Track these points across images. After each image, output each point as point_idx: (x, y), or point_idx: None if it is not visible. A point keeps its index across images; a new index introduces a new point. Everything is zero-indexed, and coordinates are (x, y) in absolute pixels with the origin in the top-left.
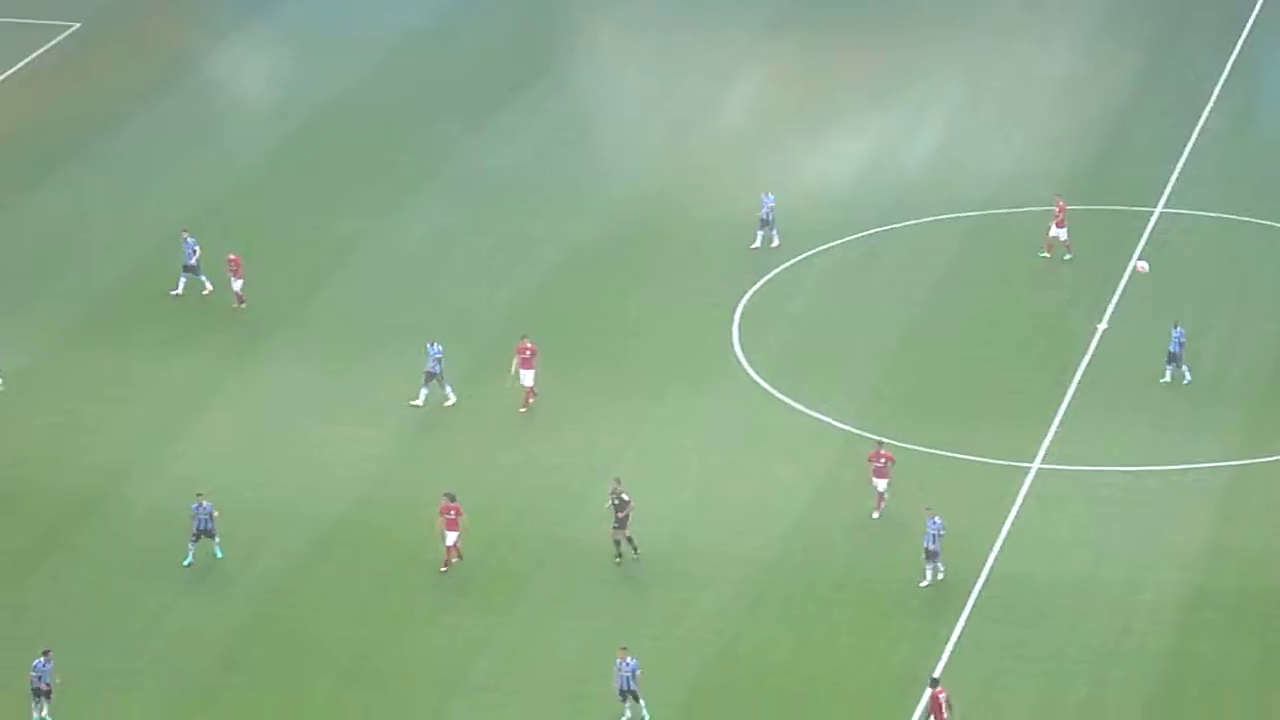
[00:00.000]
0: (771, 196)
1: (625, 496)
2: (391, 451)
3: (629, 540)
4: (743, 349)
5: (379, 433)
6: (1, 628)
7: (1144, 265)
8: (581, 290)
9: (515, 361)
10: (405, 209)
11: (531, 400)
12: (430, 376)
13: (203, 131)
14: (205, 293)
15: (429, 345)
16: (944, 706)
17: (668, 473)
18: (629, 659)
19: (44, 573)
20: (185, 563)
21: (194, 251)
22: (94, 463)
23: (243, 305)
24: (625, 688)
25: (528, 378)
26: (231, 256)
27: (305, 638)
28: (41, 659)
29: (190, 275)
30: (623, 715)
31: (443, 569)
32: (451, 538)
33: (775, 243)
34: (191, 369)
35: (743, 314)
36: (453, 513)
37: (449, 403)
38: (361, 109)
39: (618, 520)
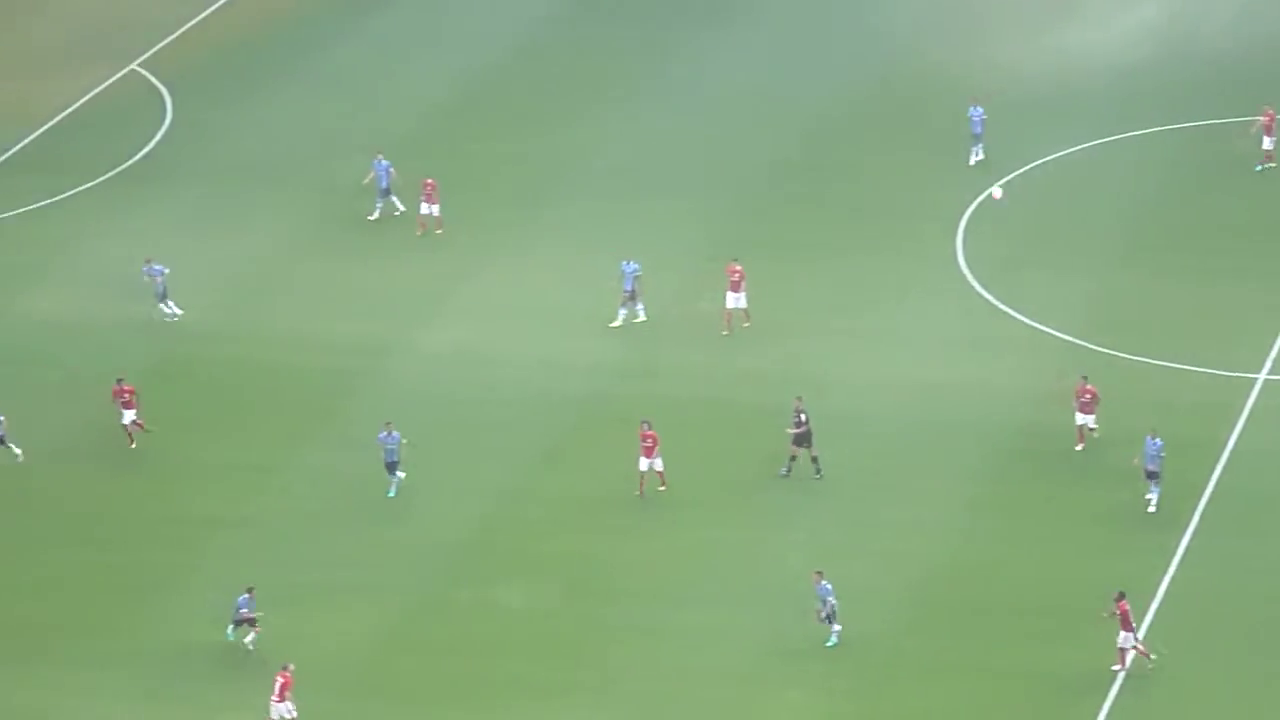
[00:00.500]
0: (981, 109)
1: (804, 416)
2: (606, 365)
3: (814, 460)
4: (966, 260)
5: (594, 348)
6: (239, 541)
7: (999, 192)
8: (797, 205)
9: (727, 285)
10: (617, 121)
11: (745, 324)
12: (628, 296)
13: (416, 48)
14: (397, 214)
15: (624, 264)
16: (1130, 617)
17: (890, 385)
18: (825, 582)
19: (275, 487)
20: (389, 494)
21: (388, 174)
22: (334, 361)
23: (439, 231)
24: (825, 611)
25: (736, 300)
26: (428, 180)
27: (531, 549)
28: (246, 595)
29: (385, 198)
30: (828, 640)
31: (638, 494)
32: (645, 464)
33: (978, 158)
34: (399, 288)
35: (966, 225)
36: (649, 440)
37: (638, 319)
38: (572, 27)
39: (797, 438)
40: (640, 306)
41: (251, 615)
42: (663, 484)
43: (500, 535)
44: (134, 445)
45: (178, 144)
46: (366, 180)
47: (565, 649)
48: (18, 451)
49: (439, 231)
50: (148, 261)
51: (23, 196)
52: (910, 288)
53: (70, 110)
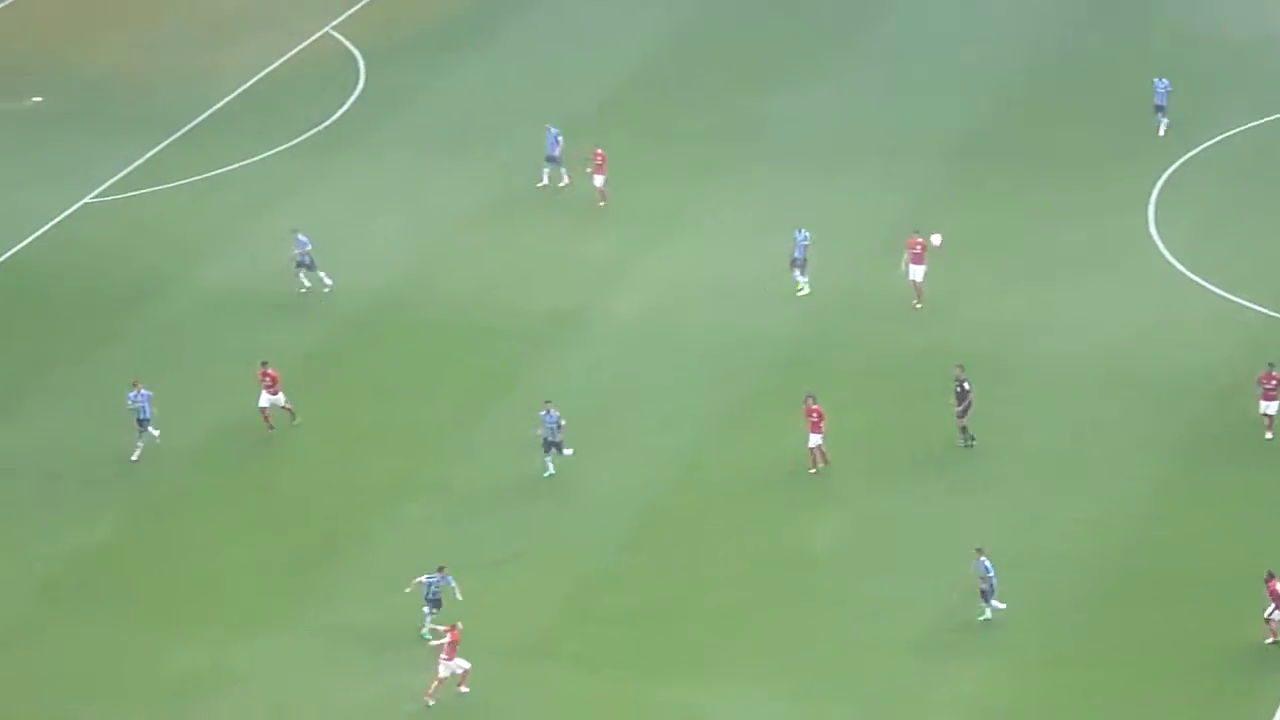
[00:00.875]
0: (1166, 81)
1: (966, 385)
2: (787, 335)
3: (963, 430)
4: (1158, 231)
5: (775, 318)
6: (424, 506)
7: (938, 239)
8: (983, 177)
9: (906, 256)
10: (800, 93)
11: (917, 303)
12: (797, 264)
13: (603, 19)
14: (562, 185)
15: (796, 233)
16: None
17: (1079, 357)
18: (984, 559)
19: (460, 453)
20: (545, 474)
21: (557, 142)
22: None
23: (602, 204)
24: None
25: (916, 272)
26: (598, 151)
27: (709, 519)
28: (437, 574)
29: (552, 166)
30: (981, 614)
31: (811, 471)
32: (815, 440)
33: (1161, 130)
34: (581, 257)
35: (1158, 196)
36: (815, 415)
37: (801, 292)
38: None
39: (960, 410)
40: (805, 278)
41: (437, 597)
42: (824, 460)
43: (679, 504)
44: (272, 429)
45: (370, 109)
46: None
47: (743, 618)
48: (155, 433)
49: (601, 204)
50: (294, 232)
51: (216, 159)
52: (1101, 259)
53: (264, 74)
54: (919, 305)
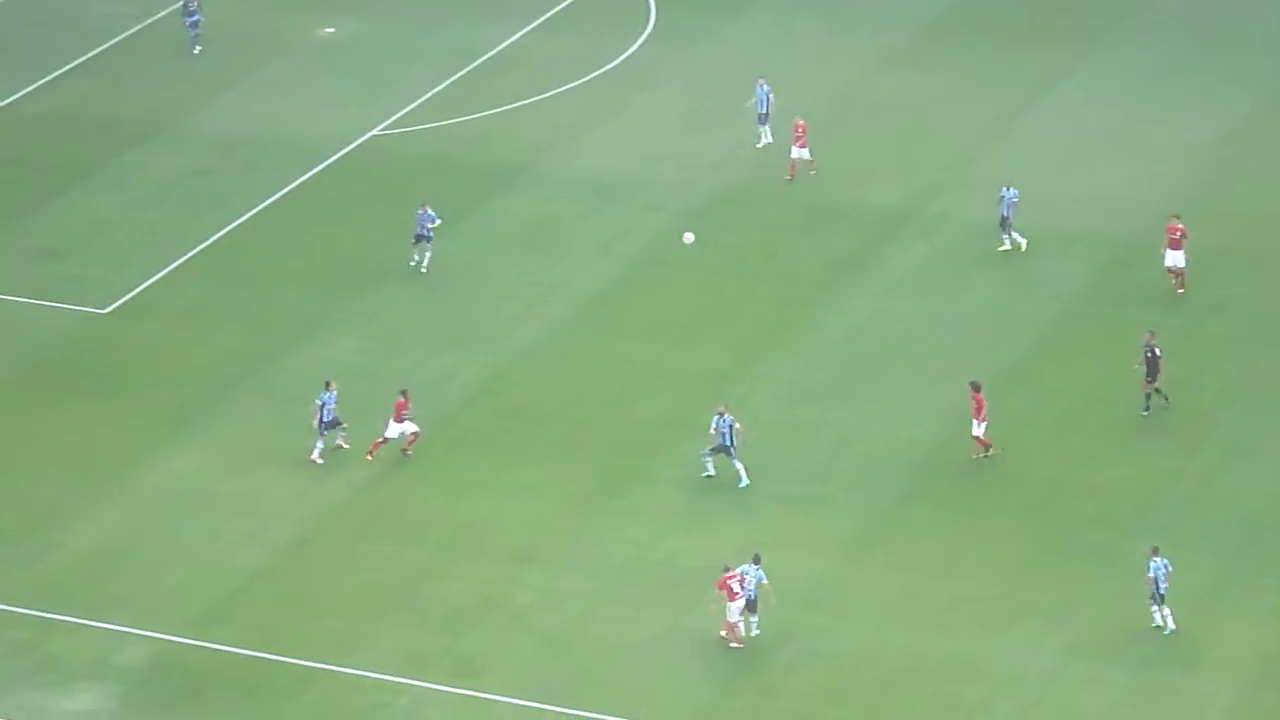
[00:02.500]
0: None
1: (1155, 350)
2: (1067, 291)
3: (1158, 391)
4: None
5: (1052, 270)
6: (704, 445)
7: (689, 237)
8: (1254, 167)
9: (1165, 242)
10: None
11: (1180, 290)
12: (1004, 222)
13: None
14: (759, 145)
15: (1004, 190)
16: None
17: None
18: (1159, 558)
19: (739, 392)
20: (704, 475)
21: (768, 100)
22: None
23: (812, 173)
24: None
25: (1175, 258)
26: (799, 122)
27: (989, 470)
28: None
29: (763, 125)
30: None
31: (982, 456)
32: (979, 428)
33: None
34: (866, 203)
35: None
36: (975, 403)
37: (1003, 246)
38: None
39: (1149, 373)
40: (1009, 237)
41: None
42: (984, 449)
43: (956, 455)
44: (408, 454)
45: (657, 49)
46: (749, 103)
47: (1021, 570)
48: (343, 443)
49: (812, 173)
50: (422, 206)
51: (505, 96)
52: None
53: (557, 9)
54: (1181, 292)
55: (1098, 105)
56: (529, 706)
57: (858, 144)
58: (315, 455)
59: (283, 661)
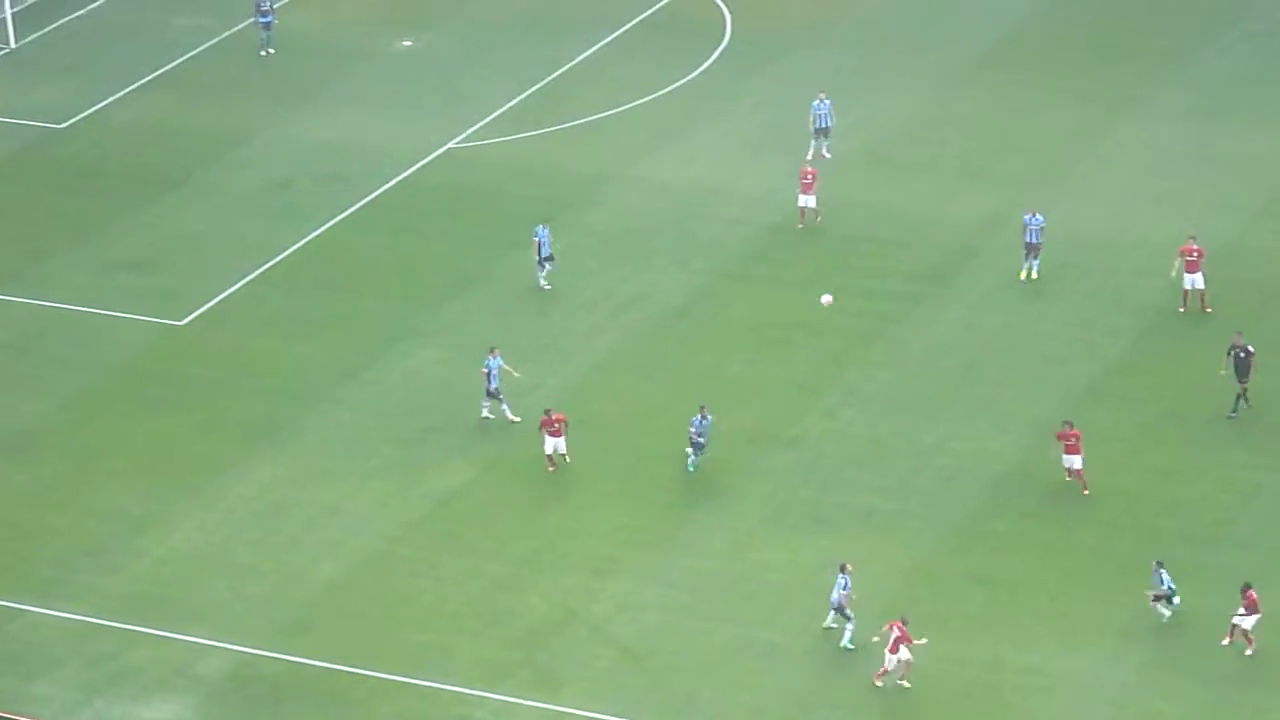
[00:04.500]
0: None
1: (1250, 349)
2: (1152, 303)
3: (1243, 393)
4: None
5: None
6: (784, 461)
7: (828, 298)
8: None
9: (1179, 264)
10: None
11: (1207, 309)
12: (1031, 249)
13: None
14: (811, 156)
15: (1028, 217)
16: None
17: None
18: (1163, 571)
19: (819, 408)
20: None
21: (828, 115)
22: None
23: (819, 220)
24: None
25: (1193, 281)
26: (808, 169)
27: (1069, 485)
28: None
29: (819, 139)
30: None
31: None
32: (1070, 460)
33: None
34: (956, 214)
35: None
36: (1072, 439)
37: (1032, 276)
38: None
39: (1239, 374)
40: (1034, 263)
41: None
42: (1085, 488)
43: (1038, 469)
44: (554, 469)
45: (734, 63)
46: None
47: (1101, 584)
48: (514, 418)
49: (819, 221)
50: (545, 223)
51: (583, 108)
52: None
53: (633, 23)
54: (1208, 310)
55: (1182, 117)
56: None
57: (941, 159)
58: (486, 414)
59: (361, 674)
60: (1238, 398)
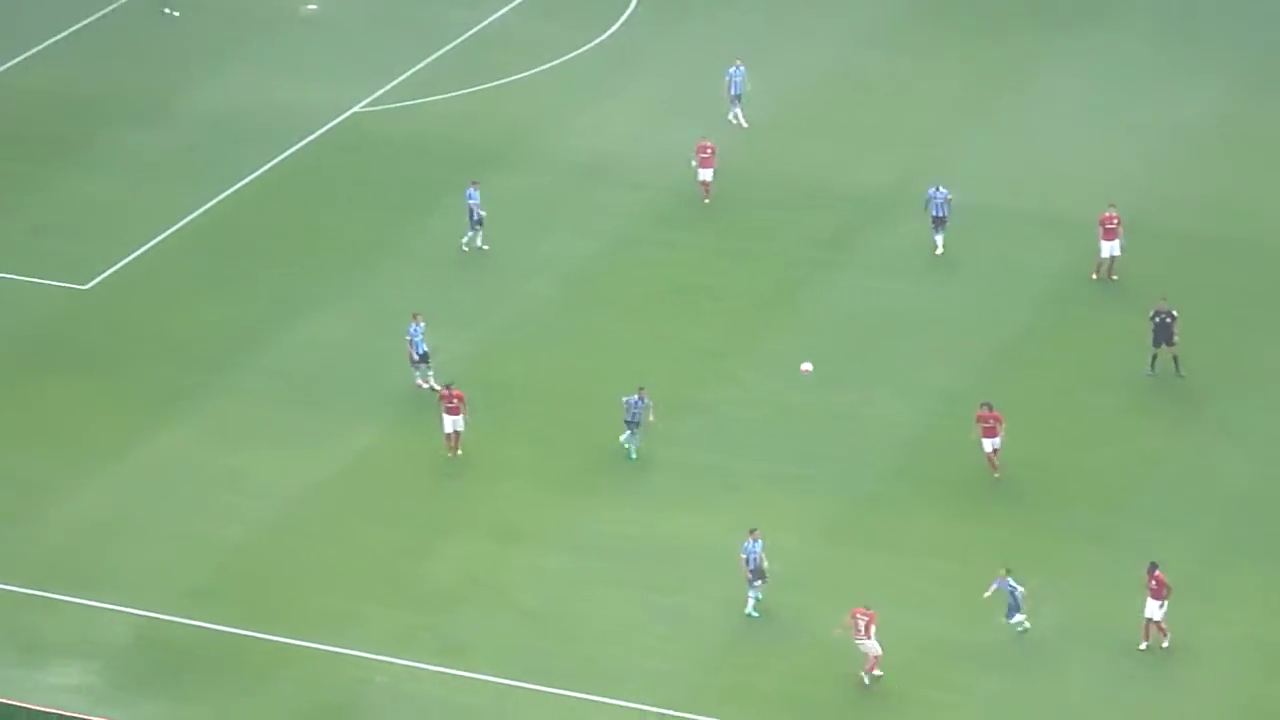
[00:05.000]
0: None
1: (1174, 313)
2: (1059, 271)
3: (1157, 358)
4: None
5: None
6: (692, 427)
7: (808, 367)
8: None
9: (1099, 233)
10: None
11: (1114, 277)
12: (938, 221)
13: None
14: (735, 124)
15: (932, 190)
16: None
17: None
18: (1009, 578)
19: (725, 374)
20: (631, 457)
21: (741, 82)
22: None
23: (706, 200)
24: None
25: (1110, 249)
26: (706, 144)
27: (974, 452)
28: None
29: (732, 106)
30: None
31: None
32: (989, 444)
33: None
34: (859, 183)
35: None
36: (991, 421)
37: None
38: None
39: (1157, 339)
40: (939, 244)
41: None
42: (995, 470)
43: (943, 436)
44: (452, 455)
45: (640, 28)
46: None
47: (1009, 550)
48: (431, 385)
49: (706, 201)
50: (474, 184)
51: (485, 72)
52: None
53: None
54: (1115, 278)
55: (1080, 87)
56: (511, 685)
57: (842, 124)
58: (419, 381)
59: (265, 639)
60: (1153, 359)
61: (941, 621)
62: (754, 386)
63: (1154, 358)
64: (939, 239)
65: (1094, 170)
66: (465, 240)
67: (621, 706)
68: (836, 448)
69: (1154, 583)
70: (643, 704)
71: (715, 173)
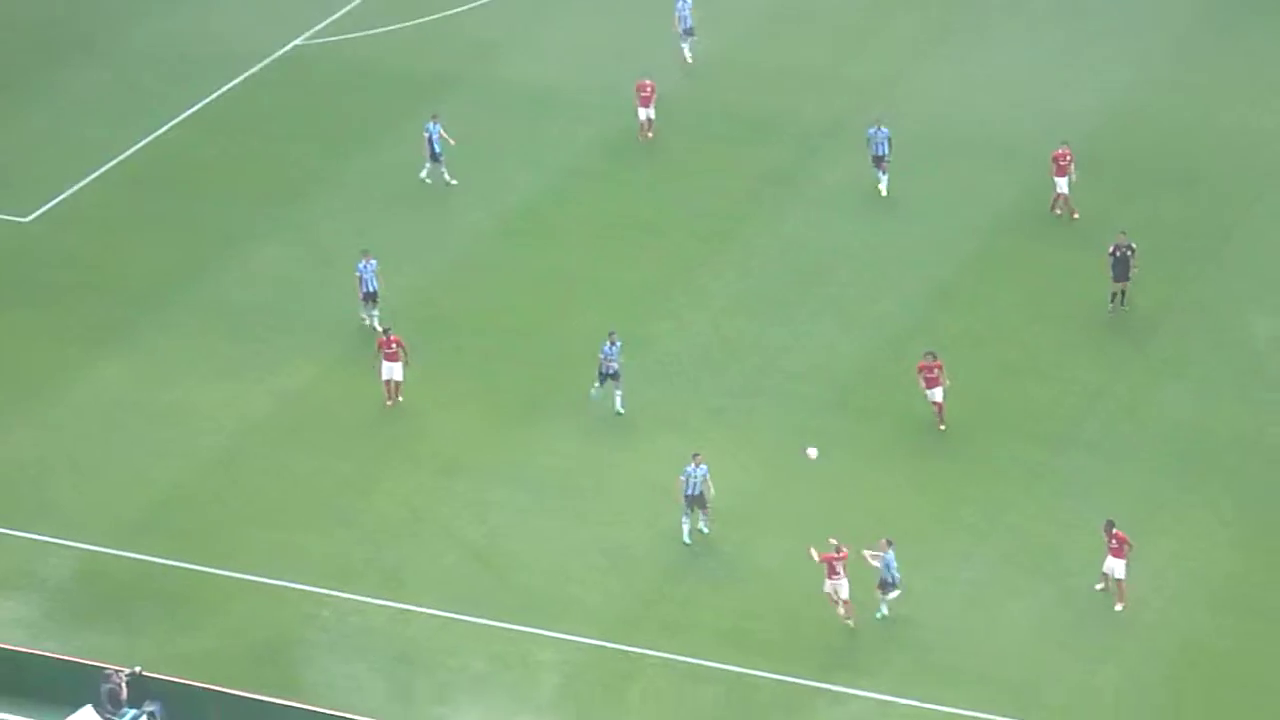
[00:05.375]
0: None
1: (1133, 247)
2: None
3: (1122, 292)
4: None
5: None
6: (633, 358)
7: (814, 452)
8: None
9: (1052, 169)
10: None
11: (1075, 215)
12: (879, 160)
13: None
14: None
15: (871, 129)
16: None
17: None
18: (890, 553)
19: (665, 312)
20: (602, 400)
21: (689, 16)
22: None
23: (649, 135)
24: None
25: (1061, 185)
26: (646, 82)
27: (915, 387)
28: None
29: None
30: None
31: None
32: (937, 394)
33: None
34: (800, 119)
35: None
36: (935, 371)
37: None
38: None
39: (1117, 274)
40: (883, 183)
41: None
42: (942, 423)
43: (886, 368)
44: (391, 403)
45: None
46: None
47: (949, 484)
48: (374, 325)
49: (649, 135)
50: (434, 118)
51: (425, 6)
52: None
53: None
54: (1076, 216)
55: (1031, 20)
56: (453, 618)
57: (787, 58)
58: (364, 318)
59: (209, 573)
60: (1114, 295)
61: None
62: (694, 321)
63: (1114, 295)
64: (883, 179)
65: (1050, 104)
66: (424, 173)
67: (562, 639)
68: (777, 381)
69: (1114, 541)
70: (583, 637)
71: (655, 109)
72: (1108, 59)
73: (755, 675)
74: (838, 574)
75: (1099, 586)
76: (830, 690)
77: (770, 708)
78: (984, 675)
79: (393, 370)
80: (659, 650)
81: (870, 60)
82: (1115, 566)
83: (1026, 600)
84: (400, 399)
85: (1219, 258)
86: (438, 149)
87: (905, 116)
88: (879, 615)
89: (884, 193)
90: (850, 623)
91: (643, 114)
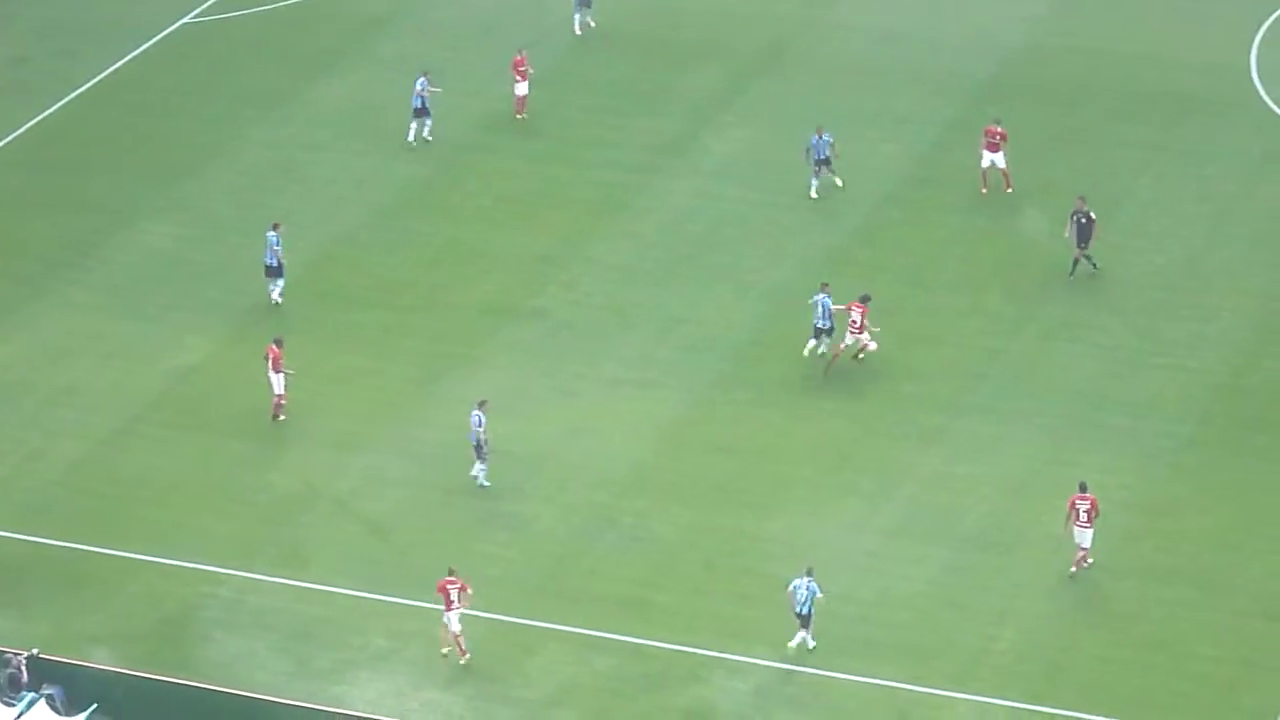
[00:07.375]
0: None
1: (1091, 215)
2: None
3: (1087, 258)
4: (1260, 78)
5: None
6: (526, 332)
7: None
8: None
9: (982, 143)
10: None
11: (1008, 189)
12: (820, 164)
13: None
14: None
15: (815, 137)
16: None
17: (1181, 202)
18: (812, 582)
19: (561, 280)
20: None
21: None
22: None
23: (522, 115)
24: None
25: (993, 159)
26: (518, 57)
27: (804, 360)
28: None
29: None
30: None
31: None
32: (850, 339)
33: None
34: (687, 87)
35: (1262, 41)
36: (859, 314)
37: (837, 184)
38: None
39: (1079, 239)
40: (837, 178)
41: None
42: (858, 354)
43: (779, 337)
44: (280, 419)
45: None
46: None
47: (843, 451)
48: (277, 300)
49: (521, 115)
50: (424, 75)
51: None
52: (1199, 104)
53: None
54: (1009, 190)
55: None
56: (353, 594)
57: (675, 32)
58: (275, 295)
59: (105, 553)
60: (1075, 261)
61: (779, 522)
62: (589, 291)
63: (1076, 260)
64: (814, 182)
65: (937, 68)
66: (411, 135)
67: (463, 613)
68: (672, 351)
69: (1084, 516)
70: (485, 612)
71: (536, 84)
72: (992, 19)
73: (655, 645)
74: (454, 604)
75: (1073, 570)
76: (729, 660)
77: (670, 678)
78: (883, 642)
79: (279, 382)
80: (559, 623)
81: (760, 29)
82: (1084, 537)
83: (922, 567)
84: (282, 417)
85: (1114, 219)
86: (427, 104)
87: (793, 88)
88: (792, 646)
89: (814, 195)
90: (462, 661)
91: (518, 89)
